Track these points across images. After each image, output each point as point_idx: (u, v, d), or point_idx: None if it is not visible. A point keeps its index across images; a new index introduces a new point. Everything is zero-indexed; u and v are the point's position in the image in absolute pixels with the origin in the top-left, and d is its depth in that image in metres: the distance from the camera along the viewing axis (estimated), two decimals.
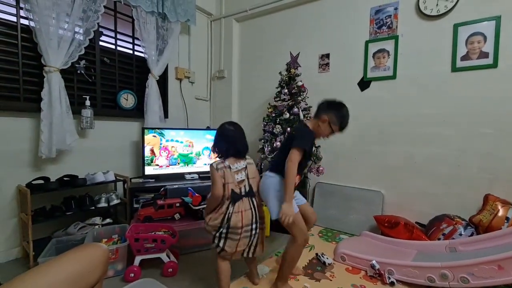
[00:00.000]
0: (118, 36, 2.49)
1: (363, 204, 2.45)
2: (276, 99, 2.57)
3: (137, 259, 1.67)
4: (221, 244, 1.42)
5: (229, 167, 1.42)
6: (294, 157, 1.38)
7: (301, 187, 2.56)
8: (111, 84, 2.46)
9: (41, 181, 1.91)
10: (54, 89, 1.90)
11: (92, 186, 2.10)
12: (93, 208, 2.06)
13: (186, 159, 2.62)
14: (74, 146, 2.07)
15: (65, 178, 2.00)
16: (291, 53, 2.54)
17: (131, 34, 2.61)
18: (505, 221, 1.78)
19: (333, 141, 2.60)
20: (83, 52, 2.09)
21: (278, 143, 2.41)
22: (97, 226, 2.03)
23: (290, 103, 2.46)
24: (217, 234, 1.42)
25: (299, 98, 2.47)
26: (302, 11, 2.80)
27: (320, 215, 2.57)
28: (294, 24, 2.85)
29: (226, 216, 1.39)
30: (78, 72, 2.18)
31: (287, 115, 2.43)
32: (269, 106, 2.59)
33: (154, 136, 2.45)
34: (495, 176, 1.96)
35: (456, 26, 2.03)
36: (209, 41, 3.41)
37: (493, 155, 1.96)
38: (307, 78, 2.62)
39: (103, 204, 2.11)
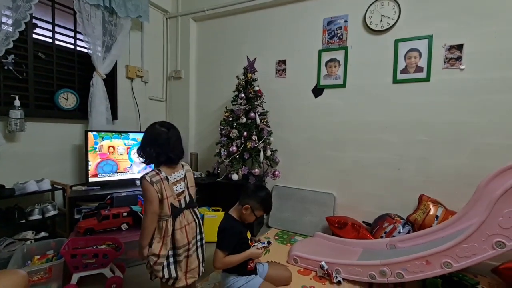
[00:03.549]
0: (57, 29, 2.24)
1: (317, 206, 2.55)
2: (233, 103, 2.55)
3: (75, 277, 1.53)
4: (173, 274, 1.20)
5: (167, 179, 1.22)
6: (219, 258, 1.35)
7: None
8: (47, 81, 2.21)
9: None
10: None
11: (23, 197, 1.86)
12: (24, 221, 1.83)
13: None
14: (1, 152, 1.82)
15: None
16: (248, 58, 2.54)
17: (72, 28, 2.37)
18: (435, 219, 1.99)
19: (289, 145, 2.69)
20: (11, 45, 1.84)
21: (235, 148, 2.39)
22: (29, 242, 1.80)
23: (247, 108, 2.46)
24: (165, 263, 1.20)
25: (256, 103, 2.49)
26: (259, 16, 2.81)
27: (277, 218, 2.64)
28: (252, 28, 2.86)
29: (171, 236, 1.20)
30: (6, 68, 1.91)
31: (244, 120, 2.43)
32: (226, 110, 2.56)
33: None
34: (429, 178, 2.19)
35: (396, 42, 2.22)
36: (164, 39, 3.26)
37: (427, 159, 2.18)
38: (264, 82, 2.64)
39: (36, 216, 1.88)
